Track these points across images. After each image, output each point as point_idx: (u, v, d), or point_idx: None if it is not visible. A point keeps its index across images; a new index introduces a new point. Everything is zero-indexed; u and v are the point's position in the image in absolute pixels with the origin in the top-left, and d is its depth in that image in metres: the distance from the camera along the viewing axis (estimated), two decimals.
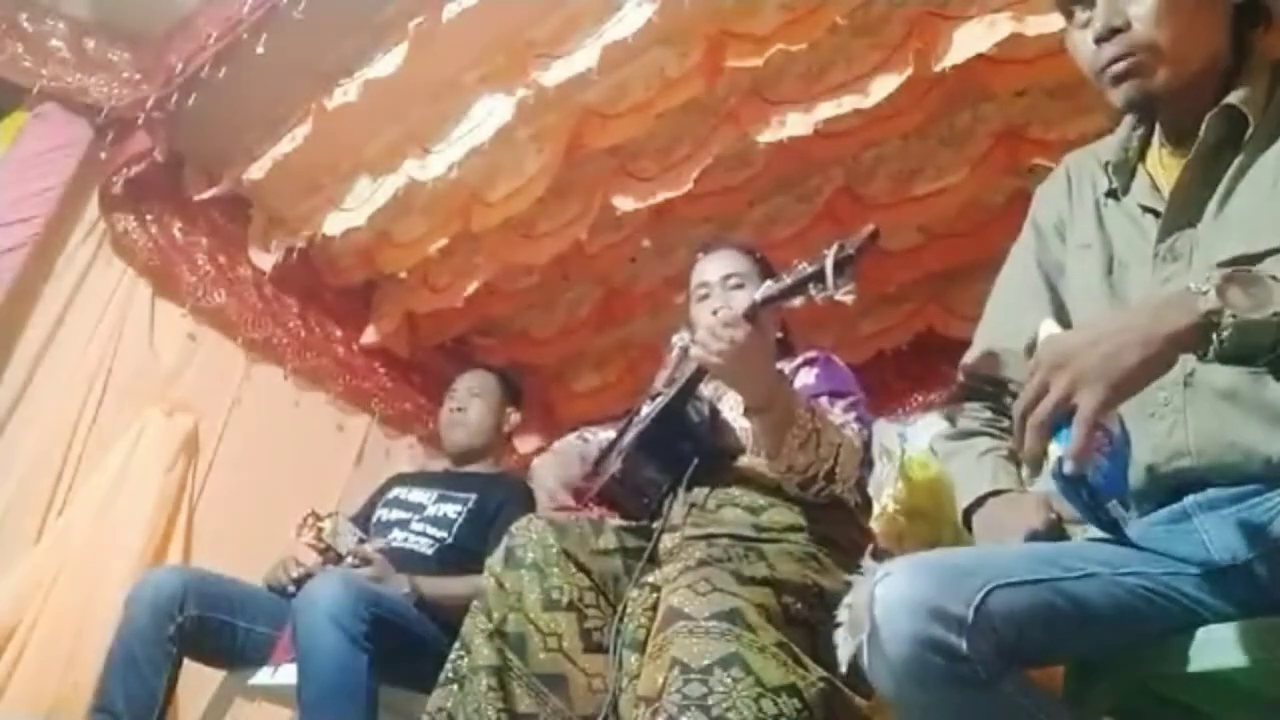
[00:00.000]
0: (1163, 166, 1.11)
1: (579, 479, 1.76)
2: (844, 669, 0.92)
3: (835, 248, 1.34)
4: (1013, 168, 2.52)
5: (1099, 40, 1.05)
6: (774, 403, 1.47)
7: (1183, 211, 1.05)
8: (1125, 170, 1.13)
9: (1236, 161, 1.03)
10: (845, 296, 1.33)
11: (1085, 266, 1.14)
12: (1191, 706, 1.03)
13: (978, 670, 0.85)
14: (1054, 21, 1.81)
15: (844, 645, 0.91)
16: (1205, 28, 1.05)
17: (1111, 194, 1.14)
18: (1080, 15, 1.09)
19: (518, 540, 1.54)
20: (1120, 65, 1.04)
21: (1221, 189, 1.03)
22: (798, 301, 1.41)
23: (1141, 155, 1.14)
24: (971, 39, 2.00)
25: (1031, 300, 1.23)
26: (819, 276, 1.34)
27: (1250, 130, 1.03)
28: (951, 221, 2.76)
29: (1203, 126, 1.03)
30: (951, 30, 2.04)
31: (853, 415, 1.65)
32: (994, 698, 0.87)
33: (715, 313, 1.82)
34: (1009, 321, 1.25)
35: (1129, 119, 1.15)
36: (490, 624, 1.48)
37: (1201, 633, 0.94)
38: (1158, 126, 1.13)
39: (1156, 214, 1.08)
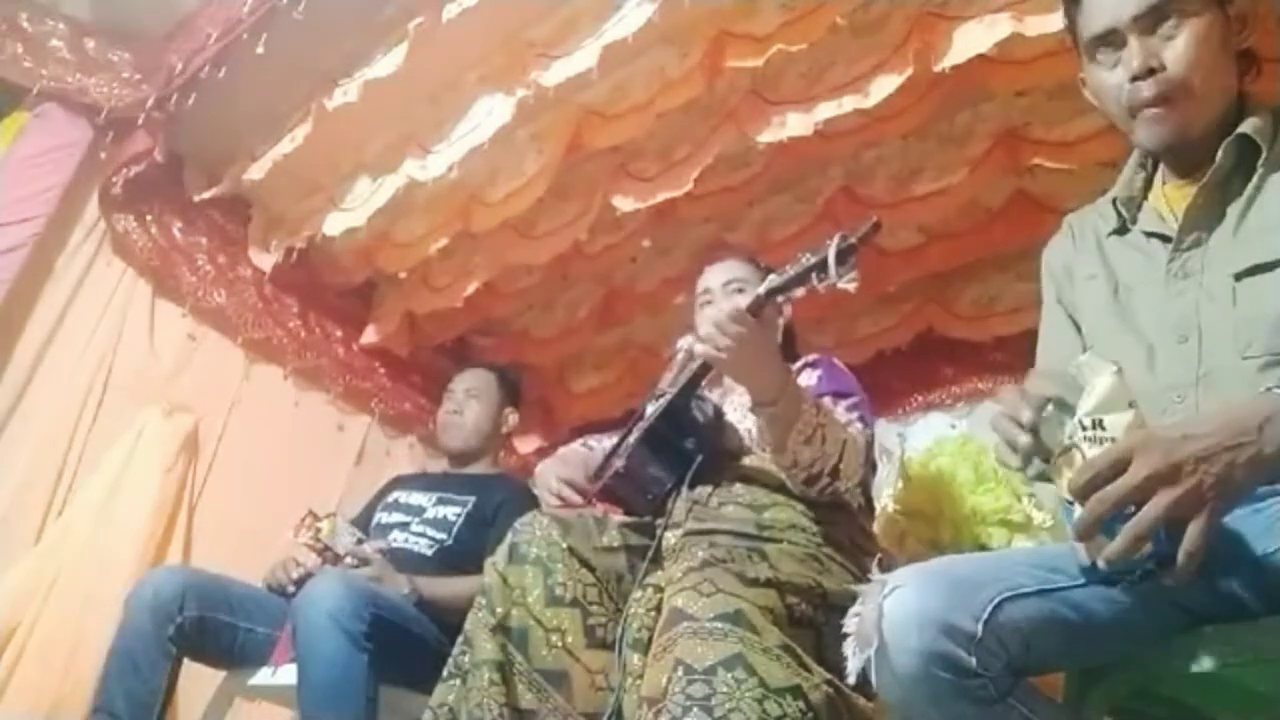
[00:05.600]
0: (1167, 198, 1.18)
1: (580, 478, 1.76)
2: (852, 679, 0.92)
3: (837, 238, 1.36)
4: (1013, 168, 2.53)
5: (1135, 79, 1.11)
6: (780, 396, 1.48)
7: (1194, 232, 1.11)
8: (1133, 205, 1.21)
9: (1251, 184, 1.09)
10: (848, 284, 1.34)
11: (1092, 294, 1.21)
12: (1192, 707, 1.03)
13: (987, 685, 0.86)
14: (1054, 21, 1.81)
15: (853, 658, 0.92)
16: (1224, 71, 1.13)
17: (1115, 232, 1.22)
18: (1103, 52, 1.16)
19: (522, 536, 1.55)
20: (1155, 106, 1.11)
21: (1238, 208, 1.09)
22: (801, 292, 1.42)
23: (1145, 193, 1.22)
24: (971, 39, 2.00)
25: (1063, 331, 1.30)
26: (821, 266, 1.36)
27: (1263, 157, 1.09)
28: (951, 221, 2.75)
29: (1219, 153, 1.10)
30: (951, 30, 2.04)
31: (855, 415, 1.66)
32: (1002, 710, 0.88)
33: None
34: (1049, 352, 1.32)
35: (1134, 158, 1.23)
36: (493, 619, 1.49)
37: (1202, 633, 0.94)
38: (1161, 165, 1.20)
39: (1164, 239, 1.14)
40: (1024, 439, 0.94)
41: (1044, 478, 1.12)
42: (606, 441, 1.89)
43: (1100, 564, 0.85)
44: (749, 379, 1.52)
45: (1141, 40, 1.11)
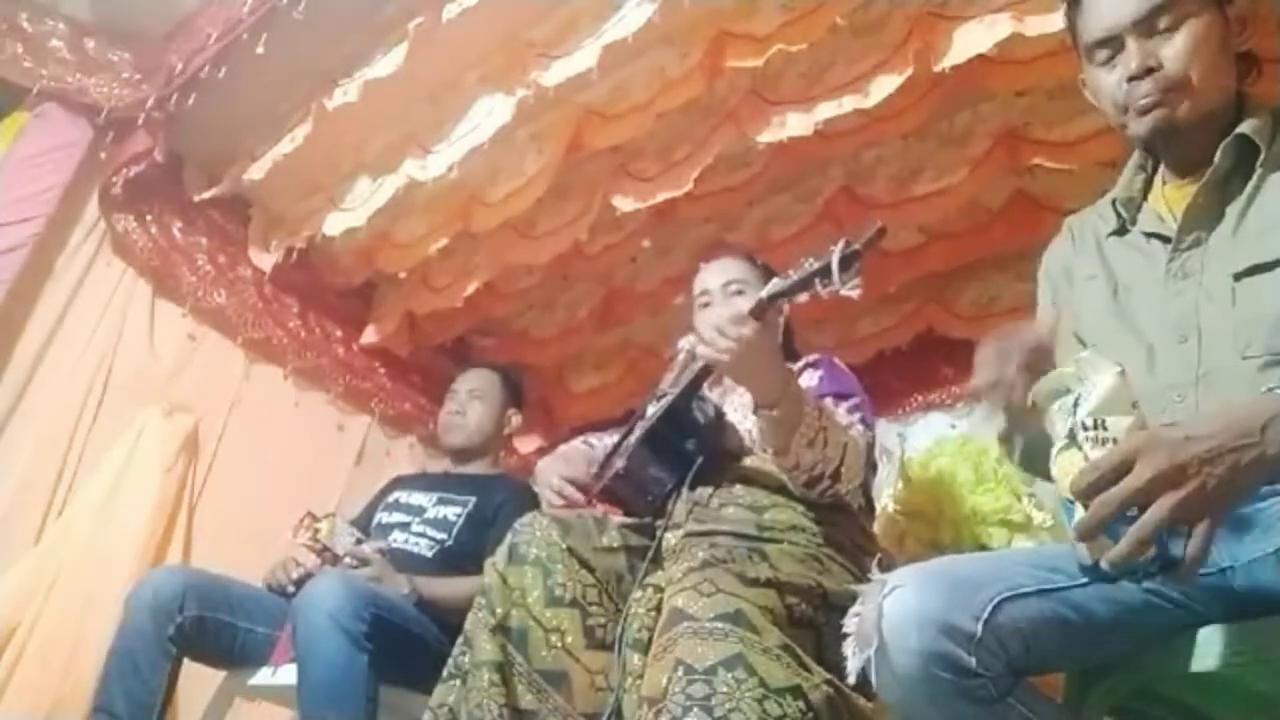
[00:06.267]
0: (1166, 199, 1.18)
1: (583, 478, 1.76)
2: (852, 679, 0.92)
3: (841, 243, 1.35)
4: (1013, 168, 2.53)
5: (1133, 78, 1.11)
6: (782, 399, 1.48)
7: (1194, 232, 1.11)
8: (1132, 206, 1.21)
9: (1250, 184, 1.09)
10: (851, 291, 1.34)
11: (1091, 294, 1.21)
12: (1192, 706, 1.03)
13: (987, 685, 0.86)
14: (1054, 21, 1.81)
15: (853, 658, 0.92)
16: (1223, 71, 1.13)
17: (1115, 232, 1.22)
18: (1102, 54, 1.16)
19: (522, 537, 1.55)
20: (1151, 100, 1.11)
21: (1237, 208, 1.09)
22: (804, 297, 1.42)
23: (1144, 194, 1.22)
24: (971, 39, 2.00)
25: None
26: (825, 272, 1.35)
27: (1262, 157, 1.09)
28: (951, 221, 2.75)
29: (1218, 153, 1.10)
30: (951, 30, 2.04)
31: (856, 417, 1.65)
32: (1002, 710, 0.88)
33: None
34: None
35: (1134, 159, 1.23)
36: (493, 619, 1.49)
37: (1202, 633, 0.95)
38: (1161, 166, 1.20)
39: (1164, 239, 1.14)
40: (1017, 395, 0.97)
41: (1031, 468, 1.11)
42: (607, 439, 1.89)
43: (1103, 565, 0.85)
44: (751, 382, 1.52)
45: (1140, 42, 1.12)
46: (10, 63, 2.54)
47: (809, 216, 2.81)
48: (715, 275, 1.89)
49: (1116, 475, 0.83)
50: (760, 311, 1.45)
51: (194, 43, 2.50)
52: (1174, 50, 1.10)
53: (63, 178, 2.57)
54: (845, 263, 1.33)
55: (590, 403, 3.55)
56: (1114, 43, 1.14)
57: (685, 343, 1.81)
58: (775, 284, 1.46)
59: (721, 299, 1.83)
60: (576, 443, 1.94)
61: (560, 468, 1.78)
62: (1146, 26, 1.12)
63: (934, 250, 2.84)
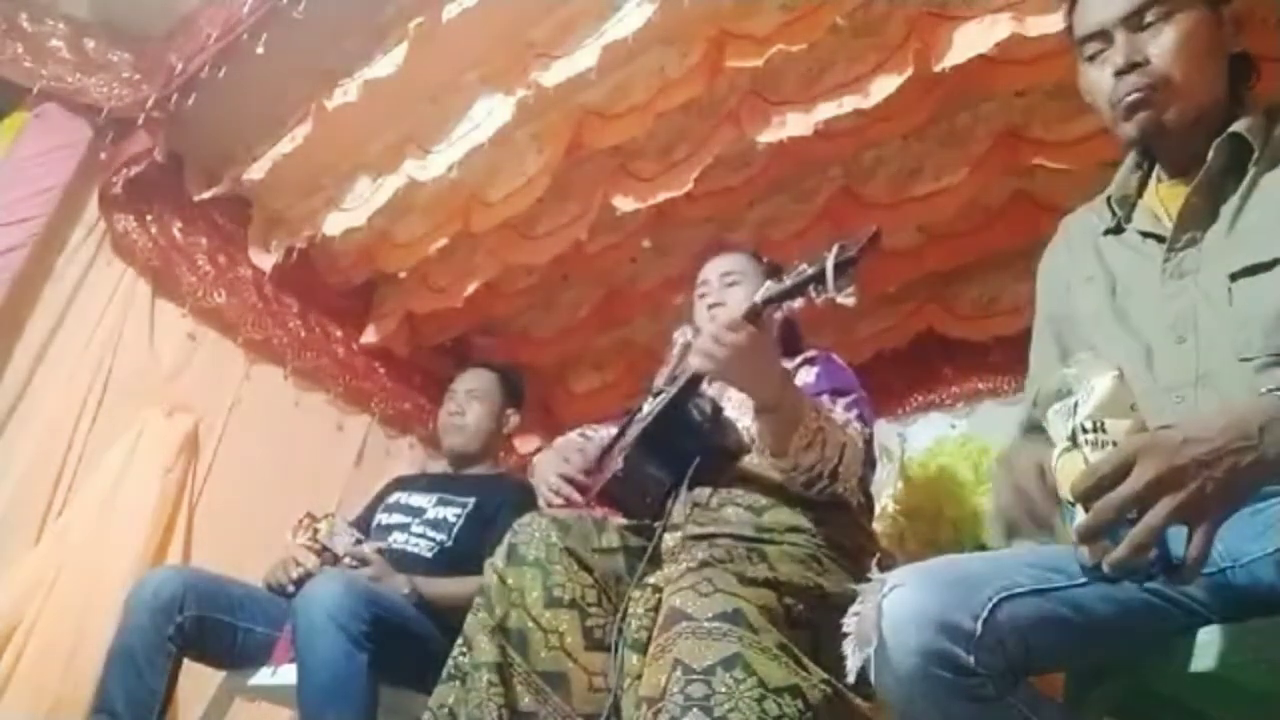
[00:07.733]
0: (1161, 198, 1.18)
1: (580, 474, 1.75)
2: (852, 679, 0.92)
3: (835, 249, 1.33)
4: (1013, 168, 2.52)
5: (1119, 73, 1.12)
6: (782, 402, 1.48)
7: (1189, 231, 1.11)
8: (1127, 204, 1.21)
9: (1244, 183, 1.09)
10: (846, 300, 1.32)
11: (1089, 296, 1.20)
12: (1192, 707, 1.03)
13: (986, 684, 0.86)
14: (1054, 22, 1.81)
15: (852, 657, 0.92)
16: (1212, 71, 1.13)
17: (1111, 231, 1.22)
18: (1092, 49, 1.17)
19: (520, 537, 1.55)
20: (1137, 96, 1.11)
21: (1231, 208, 1.09)
22: (799, 303, 1.41)
23: (1139, 192, 1.22)
24: (971, 39, 2.00)
25: (1046, 352, 1.29)
26: (819, 278, 1.34)
27: (1255, 156, 1.09)
28: (951, 221, 2.75)
29: (1210, 152, 1.10)
30: (951, 30, 2.04)
31: (854, 414, 1.65)
32: (1001, 709, 0.88)
33: (711, 308, 1.84)
34: (1040, 367, 1.31)
35: (1130, 157, 1.23)
36: (492, 620, 1.49)
37: (1202, 633, 0.95)
38: (1157, 165, 1.20)
39: (1159, 239, 1.14)
40: None
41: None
42: (604, 431, 1.88)
43: (1104, 567, 0.85)
44: (748, 386, 1.52)
45: (1128, 36, 1.13)
46: (10, 63, 2.54)
47: (809, 217, 2.81)
48: (714, 267, 1.91)
49: (1116, 478, 0.82)
50: (755, 315, 1.45)
51: (194, 43, 2.50)
52: (1160, 46, 1.11)
53: (63, 178, 2.57)
54: (840, 269, 1.31)
55: (590, 403, 3.55)
56: (1103, 37, 1.15)
57: (680, 334, 1.81)
58: (769, 288, 1.45)
59: (717, 289, 1.86)
60: (573, 435, 1.93)
61: (558, 464, 1.76)
62: (1134, 21, 1.13)
63: (934, 250, 2.84)
